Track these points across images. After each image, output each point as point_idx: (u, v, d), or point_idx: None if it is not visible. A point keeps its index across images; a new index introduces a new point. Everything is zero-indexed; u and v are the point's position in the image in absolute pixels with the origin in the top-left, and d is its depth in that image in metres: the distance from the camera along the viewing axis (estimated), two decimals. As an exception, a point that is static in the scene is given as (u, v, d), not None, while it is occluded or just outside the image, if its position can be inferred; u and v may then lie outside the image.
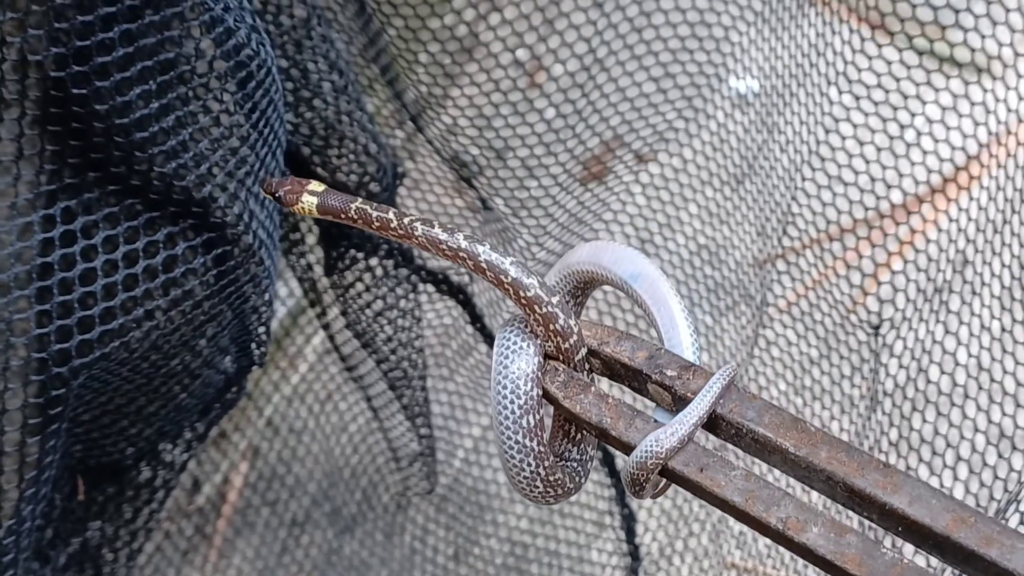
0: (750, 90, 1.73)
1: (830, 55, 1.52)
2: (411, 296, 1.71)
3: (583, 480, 0.87)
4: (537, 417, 0.81)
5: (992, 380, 1.34)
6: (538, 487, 0.83)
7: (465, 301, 1.90)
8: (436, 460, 1.98)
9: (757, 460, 0.78)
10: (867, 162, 1.54)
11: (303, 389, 2.01)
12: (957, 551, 0.70)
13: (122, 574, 1.52)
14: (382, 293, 1.66)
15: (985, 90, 1.40)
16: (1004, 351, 1.33)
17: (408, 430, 1.91)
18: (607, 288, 1.37)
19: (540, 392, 0.82)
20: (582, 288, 0.89)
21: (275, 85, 1.14)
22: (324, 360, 2.00)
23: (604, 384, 0.86)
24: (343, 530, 2.01)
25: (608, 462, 1.91)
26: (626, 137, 1.72)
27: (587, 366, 0.84)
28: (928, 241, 1.54)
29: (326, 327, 1.78)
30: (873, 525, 0.75)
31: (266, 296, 1.24)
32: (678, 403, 0.79)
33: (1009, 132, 1.39)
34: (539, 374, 0.82)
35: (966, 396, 1.37)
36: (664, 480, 0.80)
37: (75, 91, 0.92)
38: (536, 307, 0.80)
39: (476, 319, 1.92)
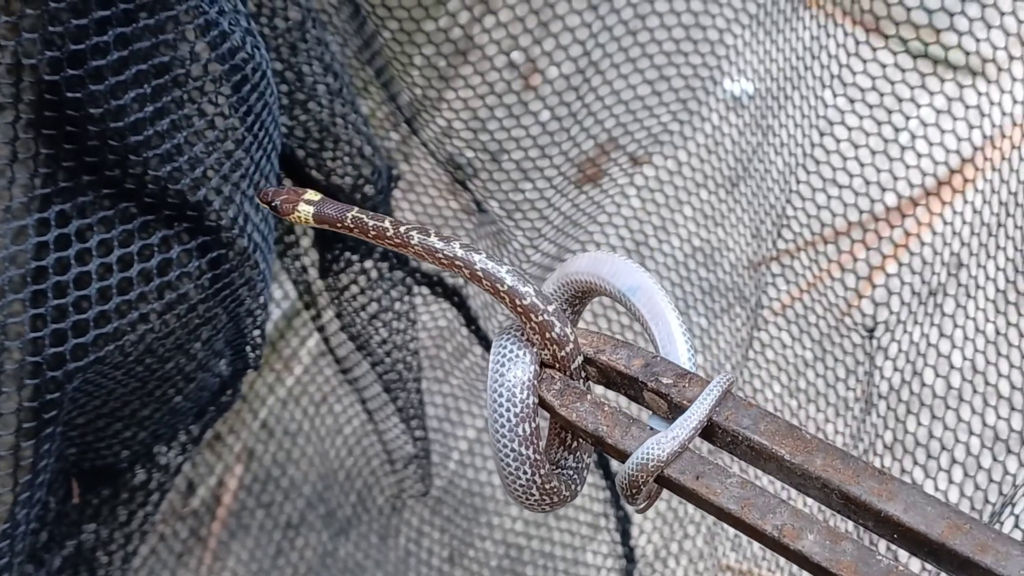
0: (745, 93, 1.73)
1: (825, 58, 1.52)
2: (406, 299, 1.71)
3: (579, 488, 0.87)
4: (533, 425, 0.81)
5: (987, 383, 1.34)
6: (534, 495, 0.83)
7: (460, 304, 1.90)
8: (431, 462, 1.98)
9: (752, 466, 0.77)
10: (862, 165, 1.54)
11: (298, 391, 2.00)
12: (952, 558, 0.70)
13: (116, 577, 1.52)
14: (377, 296, 1.66)
15: (980, 93, 1.40)
16: (999, 354, 1.33)
17: (403, 432, 1.91)
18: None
19: (536, 400, 0.81)
20: (579, 298, 0.89)
21: (270, 88, 1.14)
22: (319, 363, 2.00)
23: (600, 392, 0.86)
24: (338, 532, 2.01)
25: (603, 464, 1.91)
26: (621, 139, 1.72)
27: (583, 374, 0.83)
28: (923, 244, 1.54)
29: (321, 330, 1.78)
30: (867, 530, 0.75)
31: (261, 299, 1.24)
32: (674, 411, 0.79)
33: (1004, 135, 1.39)
34: (535, 382, 0.82)
35: (961, 399, 1.38)
36: (656, 488, 0.80)
37: (69, 95, 0.92)
38: (532, 315, 0.80)
39: (471, 322, 1.92)
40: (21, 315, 0.97)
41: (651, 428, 0.79)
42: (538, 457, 0.82)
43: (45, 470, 1.07)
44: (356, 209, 0.85)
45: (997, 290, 1.34)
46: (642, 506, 0.84)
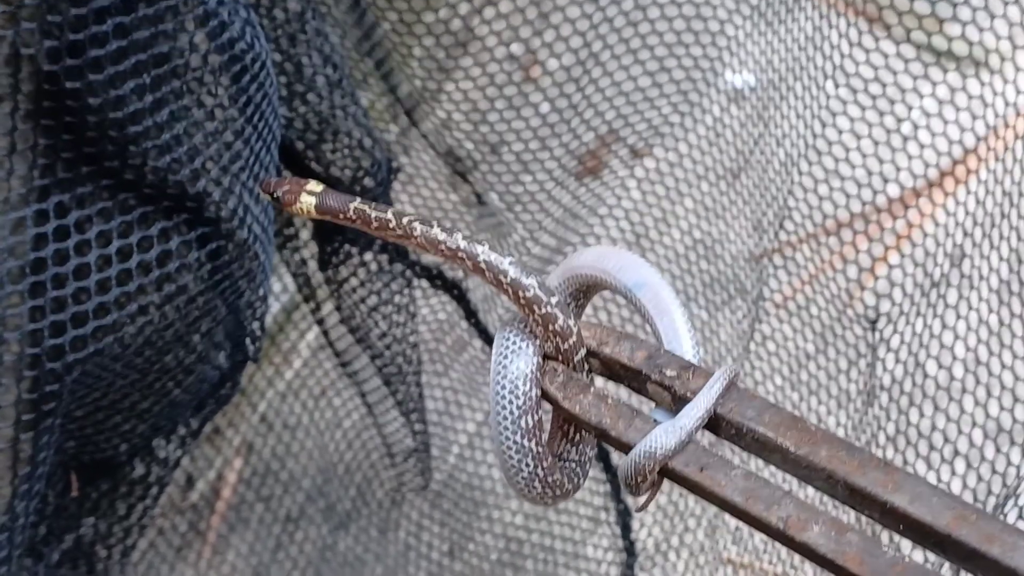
0: (746, 84, 1.72)
1: (827, 48, 1.52)
2: (406, 291, 1.70)
3: (582, 481, 0.87)
4: (536, 418, 0.81)
5: (990, 374, 1.34)
6: (536, 488, 0.83)
7: (460, 297, 1.90)
8: (431, 456, 1.97)
9: (756, 458, 0.77)
10: (864, 156, 1.53)
11: (297, 385, 2.00)
12: (958, 549, 0.69)
13: (116, 571, 1.52)
14: (377, 288, 1.65)
15: (983, 83, 1.40)
16: (1002, 345, 1.33)
17: (403, 426, 1.91)
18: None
19: (539, 393, 0.81)
20: (584, 292, 0.88)
21: (270, 79, 1.14)
22: (318, 356, 1.99)
23: (602, 384, 0.86)
24: (337, 526, 2.01)
25: (603, 457, 1.91)
26: (621, 131, 1.71)
27: (586, 367, 0.83)
28: (925, 235, 1.54)
29: (320, 323, 1.77)
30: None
31: (261, 291, 1.23)
32: (678, 403, 0.79)
33: (1007, 125, 1.38)
34: (538, 375, 0.81)
35: (964, 391, 1.37)
36: (658, 480, 0.80)
37: (68, 85, 0.91)
38: (535, 307, 0.80)
39: (471, 315, 1.91)
40: (20, 307, 0.96)
41: (655, 420, 0.79)
42: (541, 450, 0.82)
43: (44, 463, 1.07)
44: (358, 200, 0.85)
45: (1000, 281, 1.33)
46: (644, 498, 0.84)
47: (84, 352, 1.02)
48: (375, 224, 0.83)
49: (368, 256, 1.64)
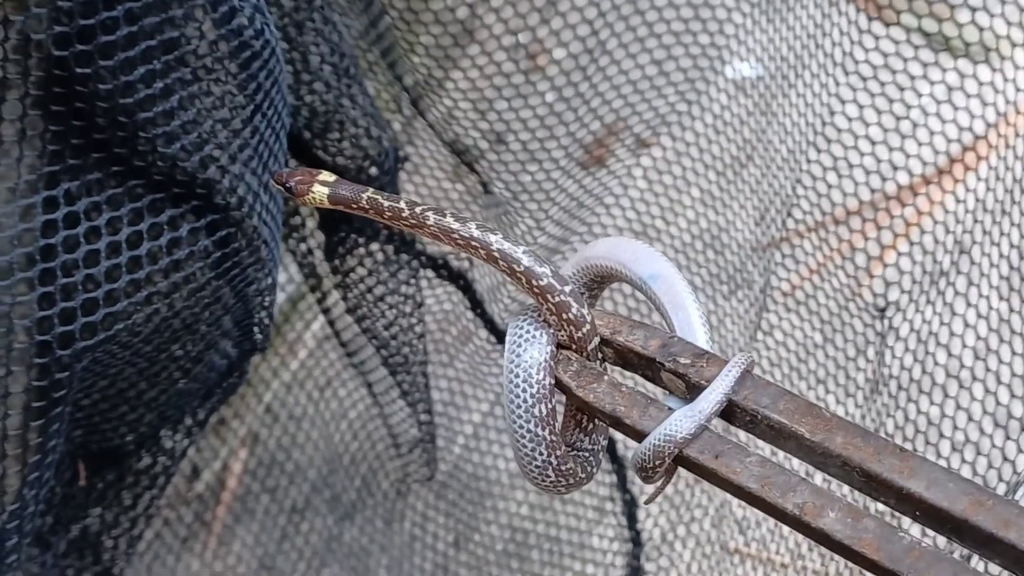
0: (754, 72, 1.72)
1: (836, 36, 1.52)
2: (412, 281, 1.70)
3: (595, 470, 0.86)
4: (549, 406, 0.81)
5: (1000, 362, 1.33)
6: (550, 476, 0.83)
7: (465, 287, 1.89)
8: (436, 446, 1.97)
9: (771, 446, 0.77)
10: (873, 143, 1.53)
11: (302, 375, 2.00)
12: (975, 534, 0.69)
13: (121, 561, 1.52)
14: (383, 278, 1.65)
15: (994, 70, 1.39)
16: (1012, 332, 1.33)
17: (408, 416, 1.90)
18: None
19: (552, 381, 0.81)
20: (598, 282, 0.88)
21: (279, 66, 1.13)
22: (323, 346, 1.99)
23: (616, 373, 0.86)
24: (343, 517, 2.01)
25: (609, 448, 1.91)
26: (629, 120, 1.71)
27: (600, 355, 0.83)
28: (935, 223, 1.54)
29: (326, 312, 1.77)
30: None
31: (269, 279, 1.23)
32: (692, 391, 0.78)
33: (1018, 112, 1.38)
34: (551, 363, 0.81)
35: (974, 378, 1.37)
36: (672, 467, 0.79)
37: (79, 71, 0.91)
38: (549, 296, 0.79)
39: (476, 305, 1.91)
40: (29, 294, 0.96)
41: (669, 408, 0.78)
42: (554, 438, 0.82)
43: (54, 451, 1.06)
44: (371, 190, 0.85)
45: (1011, 267, 1.33)
46: (656, 486, 0.83)
47: (94, 340, 1.01)
48: (388, 214, 0.83)
49: (374, 246, 1.64)
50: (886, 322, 1.56)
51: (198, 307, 1.16)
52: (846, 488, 0.87)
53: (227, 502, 1.98)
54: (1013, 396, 1.32)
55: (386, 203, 0.83)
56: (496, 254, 0.80)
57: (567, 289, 0.79)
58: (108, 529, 1.47)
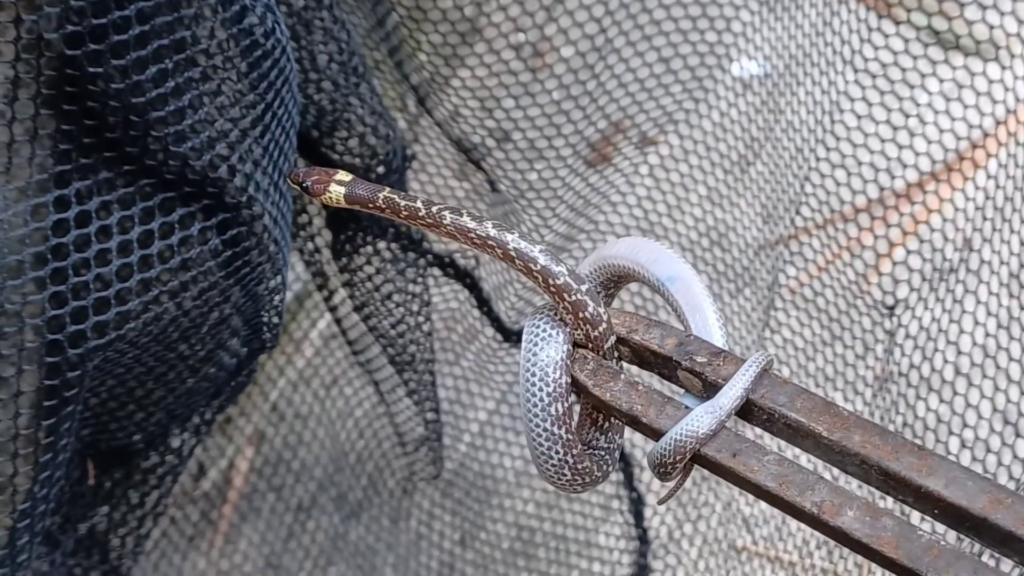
0: (761, 70, 1.72)
1: (844, 34, 1.51)
2: (419, 280, 1.70)
3: (611, 468, 0.86)
4: (565, 405, 0.81)
5: (1010, 359, 1.33)
6: (566, 475, 0.83)
7: (472, 285, 1.89)
8: (442, 445, 1.97)
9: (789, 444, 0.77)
10: (882, 141, 1.53)
11: (309, 374, 2.00)
12: (994, 532, 0.69)
13: (129, 560, 1.52)
14: (390, 276, 1.65)
15: (1004, 67, 1.39)
16: (1022, 328, 1.33)
17: (414, 415, 1.90)
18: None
19: (569, 380, 0.81)
20: (615, 282, 0.88)
21: (289, 65, 1.13)
22: (330, 345, 1.99)
23: (633, 372, 0.85)
24: (349, 515, 2.00)
25: (616, 446, 1.90)
26: (636, 118, 1.71)
27: (616, 354, 0.83)
28: (944, 220, 1.54)
29: (332, 310, 1.77)
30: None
31: (279, 278, 1.23)
32: (709, 389, 0.78)
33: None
34: (568, 362, 0.81)
35: (983, 375, 1.37)
36: (689, 466, 0.79)
37: (90, 70, 0.91)
38: (565, 295, 0.79)
39: (483, 303, 1.91)
40: (41, 293, 0.96)
41: (686, 407, 0.78)
42: (570, 437, 0.82)
43: (64, 450, 1.06)
44: (387, 189, 0.85)
45: (1021, 264, 1.33)
46: (673, 484, 0.83)
47: (104, 339, 1.01)
48: (404, 213, 0.83)
49: (381, 244, 1.64)
50: (895, 320, 1.56)
51: (207, 306, 1.15)
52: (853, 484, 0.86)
53: (233, 501, 1.98)
54: (1023, 394, 1.32)
55: (402, 202, 0.83)
56: (513, 253, 0.80)
57: (583, 288, 0.80)
58: (115, 527, 1.47)
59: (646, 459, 0.79)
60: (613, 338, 0.82)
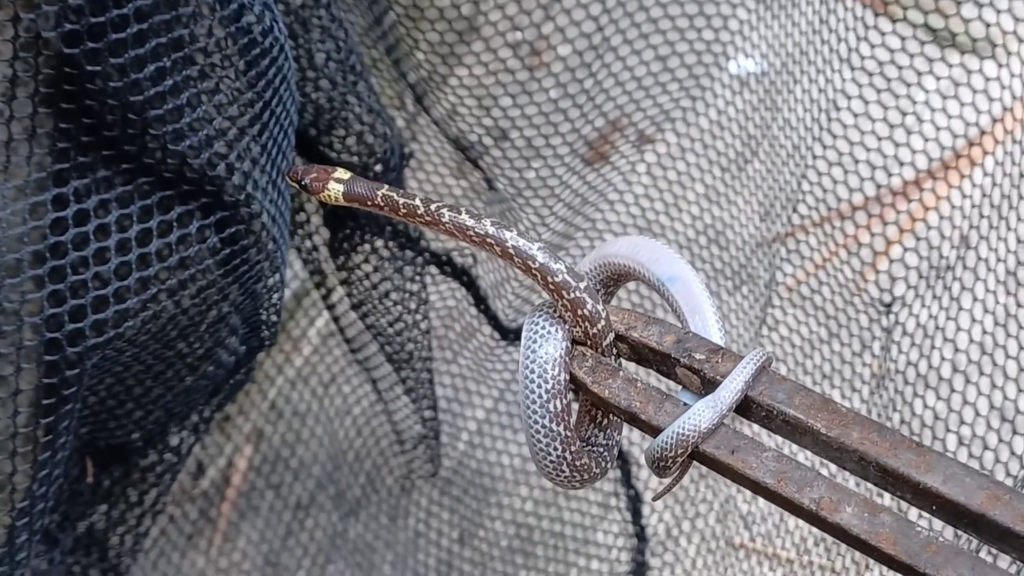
0: (758, 68, 1.72)
1: (841, 30, 1.52)
2: (417, 278, 1.70)
3: (609, 466, 0.87)
4: (564, 402, 0.81)
5: (1007, 356, 1.34)
6: (564, 471, 0.83)
7: (469, 283, 1.89)
8: (440, 443, 1.97)
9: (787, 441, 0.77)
10: (879, 138, 1.53)
11: (307, 372, 2.00)
12: (992, 529, 0.69)
13: (127, 558, 1.52)
14: (388, 274, 1.65)
15: (1000, 64, 1.40)
16: (1019, 326, 1.33)
17: (412, 412, 1.90)
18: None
19: (567, 377, 0.81)
20: (615, 280, 0.88)
21: (288, 63, 1.13)
22: (328, 343, 1.99)
23: (632, 369, 0.86)
24: (347, 513, 2.01)
25: (614, 443, 1.90)
26: (633, 116, 1.71)
27: (615, 351, 0.83)
28: (941, 217, 1.54)
29: (330, 308, 1.77)
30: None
31: (277, 276, 1.23)
32: (707, 386, 0.79)
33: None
34: (567, 359, 0.81)
35: (980, 373, 1.37)
36: (687, 462, 0.80)
37: (88, 68, 0.91)
38: (564, 292, 0.80)
39: (480, 301, 1.91)
40: (39, 292, 0.96)
41: (684, 404, 0.78)
42: (568, 434, 0.82)
43: (63, 448, 1.06)
44: (386, 187, 0.85)
45: (1018, 262, 1.33)
46: (670, 481, 0.84)
47: (103, 337, 1.01)
48: (403, 211, 0.84)
49: (379, 242, 1.64)
50: (892, 317, 1.56)
51: (206, 304, 1.16)
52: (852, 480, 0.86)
53: (232, 499, 1.98)
54: (1020, 391, 1.32)
55: (401, 200, 0.84)
56: (511, 251, 0.80)
57: (582, 285, 0.80)
58: (114, 526, 1.47)
59: (645, 454, 0.79)
60: (612, 335, 0.82)
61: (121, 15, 0.92)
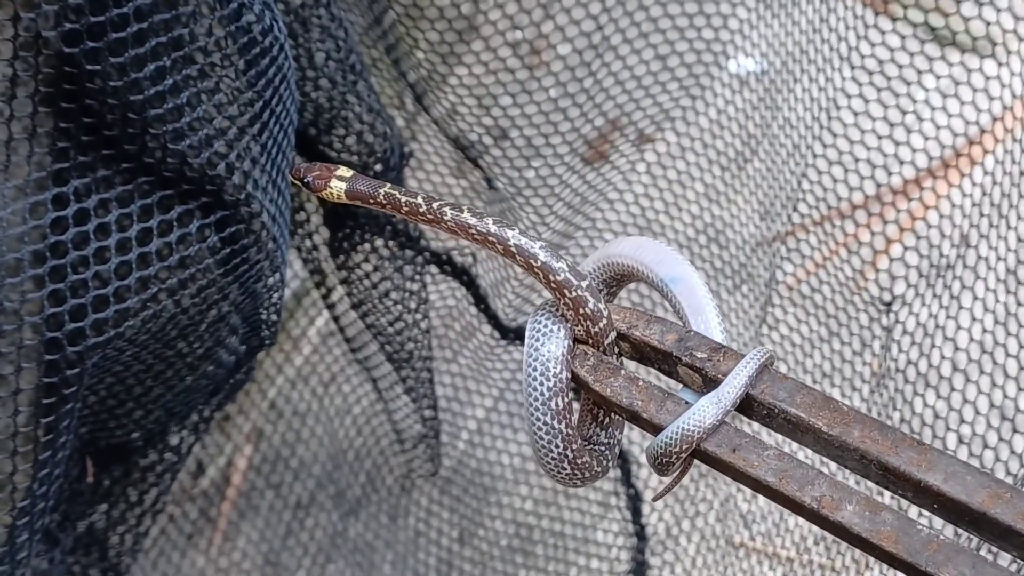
0: (758, 67, 1.72)
1: (841, 30, 1.52)
2: (417, 277, 1.70)
3: (610, 464, 0.87)
4: (566, 399, 0.81)
5: (1007, 354, 1.34)
6: (565, 469, 0.83)
7: (469, 282, 1.89)
8: (440, 442, 1.97)
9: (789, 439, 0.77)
10: (879, 137, 1.53)
11: (307, 371, 2.00)
12: (993, 527, 0.70)
13: (127, 557, 1.52)
14: (388, 274, 1.65)
15: (1000, 63, 1.40)
16: (1019, 325, 1.33)
17: (412, 412, 1.90)
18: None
19: (569, 375, 0.81)
20: (618, 280, 0.89)
21: (287, 62, 1.13)
22: (327, 342, 1.99)
23: (633, 367, 0.86)
24: (347, 513, 2.01)
25: (614, 443, 1.90)
26: (632, 115, 1.71)
27: (616, 350, 0.83)
28: (941, 216, 1.54)
29: (330, 308, 1.77)
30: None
31: (277, 275, 1.23)
32: (709, 384, 0.79)
33: (1025, 105, 1.39)
34: (568, 357, 0.81)
35: (980, 371, 1.37)
36: (688, 460, 0.80)
37: (87, 68, 0.91)
38: (566, 291, 0.80)
39: (480, 300, 1.91)
40: (40, 291, 0.96)
41: (686, 402, 0.79)
42: (570, 432, 0.82)
43: (63, 448, 1.06)
44: (388, 185, 0.85)
45: (1018, 260, 1.33)
46: (671, 480, 0.84)
47: (103, 337, 1.01)
48: (405, 209, 0.84)
49: (379, 242, 1.64)
50: (892, 316, 1.56)
51: (206, 303, 1.15)
52: (852, 479, 0.86)
53: (232, 498, 1.98)
54: (1020, 390, 1.32)
55: (403, 198, 0.84)
56: (513, 249, 0.80)
57: (584, 284, 0.80)
58: (114, 525, 1.47)
59: (647, 451, 0.79)
60: (613, 334, 0.82)
61: (121, 14, 0.92)
